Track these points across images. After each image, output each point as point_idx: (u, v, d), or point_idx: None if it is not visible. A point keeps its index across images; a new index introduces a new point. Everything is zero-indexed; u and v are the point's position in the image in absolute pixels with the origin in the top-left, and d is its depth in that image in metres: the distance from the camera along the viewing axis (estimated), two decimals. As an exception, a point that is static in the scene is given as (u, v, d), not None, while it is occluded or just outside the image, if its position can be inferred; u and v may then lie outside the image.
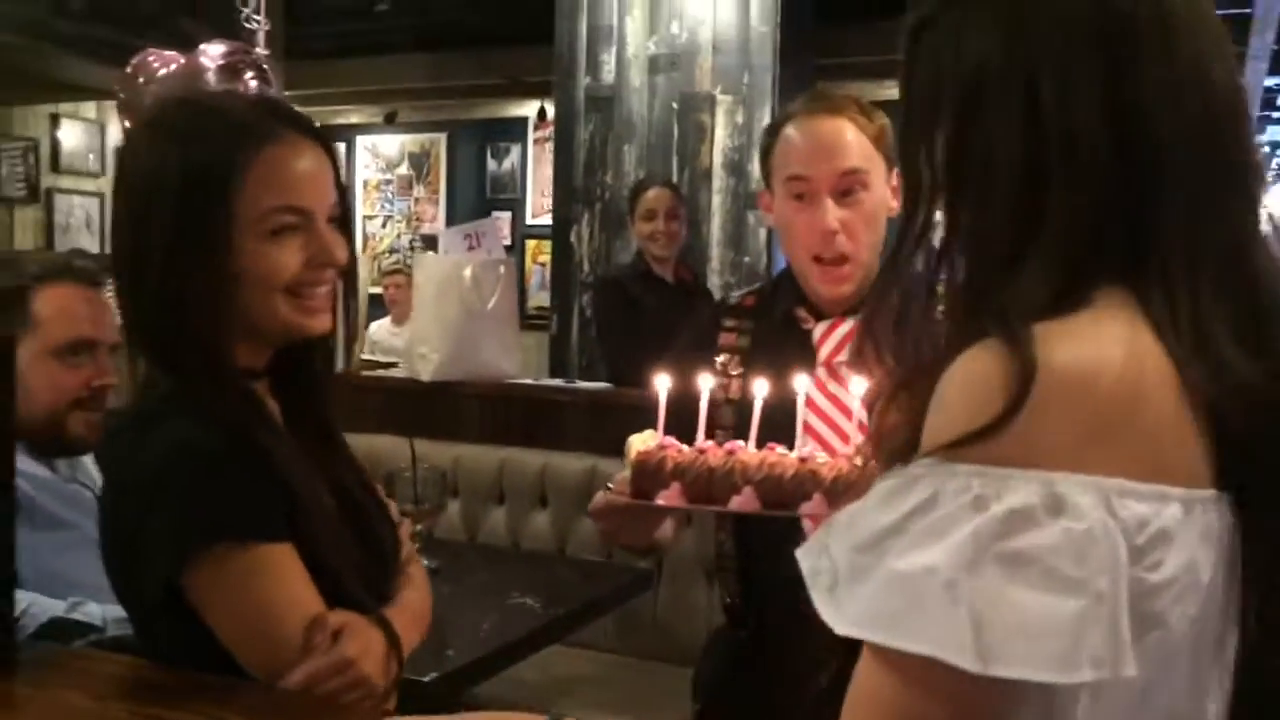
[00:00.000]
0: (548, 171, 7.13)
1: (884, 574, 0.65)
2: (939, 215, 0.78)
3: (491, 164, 7.56)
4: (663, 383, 1.27)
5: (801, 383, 1.27)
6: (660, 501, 1.19)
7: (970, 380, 0.67)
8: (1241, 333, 0.69)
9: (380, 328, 5.53)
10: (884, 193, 1.47)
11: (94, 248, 7.48)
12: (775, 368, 1.41)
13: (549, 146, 7.07)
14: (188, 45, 3.38)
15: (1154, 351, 0.67)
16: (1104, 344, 0.66)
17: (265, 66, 2.76)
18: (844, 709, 0.68)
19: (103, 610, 1.31)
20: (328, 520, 1.07)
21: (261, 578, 1.01)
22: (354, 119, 7.43)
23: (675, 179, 4.12)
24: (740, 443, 1.20)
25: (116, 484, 1.09)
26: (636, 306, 3.40)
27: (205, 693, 0.95)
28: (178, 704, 0.92)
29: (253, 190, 1.05)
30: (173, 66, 2.64)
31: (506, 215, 7.20)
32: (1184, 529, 0.65)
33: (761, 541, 1.50)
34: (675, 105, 4.12)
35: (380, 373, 3.51)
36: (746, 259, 4.05)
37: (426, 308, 2.90)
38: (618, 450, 2.71)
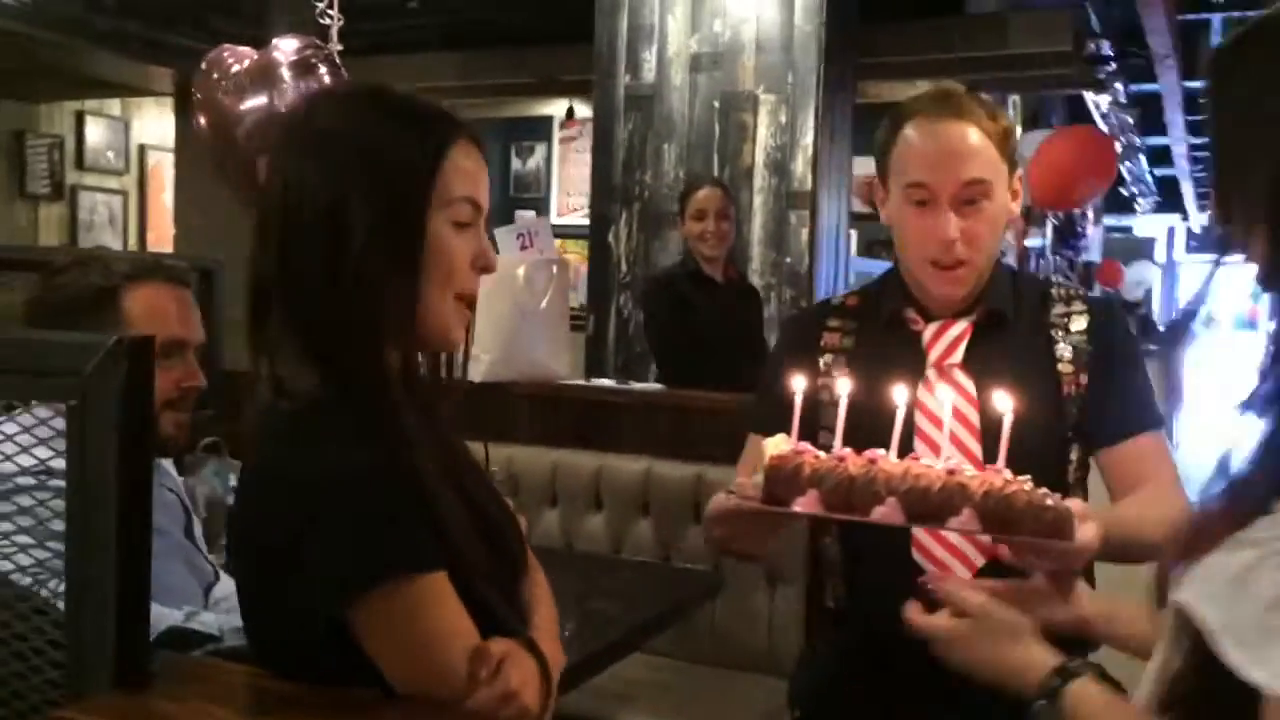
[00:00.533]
0: (573, 171, 7.11)
1: None
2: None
3: (516, 163, 7.54)
4: (798, 384, 1.23)
5: (901, 393, 1.22)
6: (797, 508, 1.15)
7: None
8: None
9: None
10: (1005, 198, 1.44)
11: (116, 244, 7.48)
12: (881, 369, 1.38)
13: (575, 145, 7.05)
14: (218, 42, 3.36)
15: None
16: None
17: (338, 62, 2.74)
18: None
19: (217, 619, 1.28)
20: (469, 541, 1.03)
21: (425, 610, 0.98)
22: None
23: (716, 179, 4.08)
24: (881, 451, 1.16)
25: (264, 502, 1.02)
26: (687, 306, 3.37)
27: (349, 707, 0.92)
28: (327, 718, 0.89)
29: (452, 175, 1.05)
30: (246, 62, 2.61)
31: (530, 214, 7.16)
32: None
33: (869, 546, 1.47)
34: (717, 104, 4.09)
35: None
36: (788, 259, 4.01)
37: (480, 308, 2.86)
38: (672, 452, 2.71)
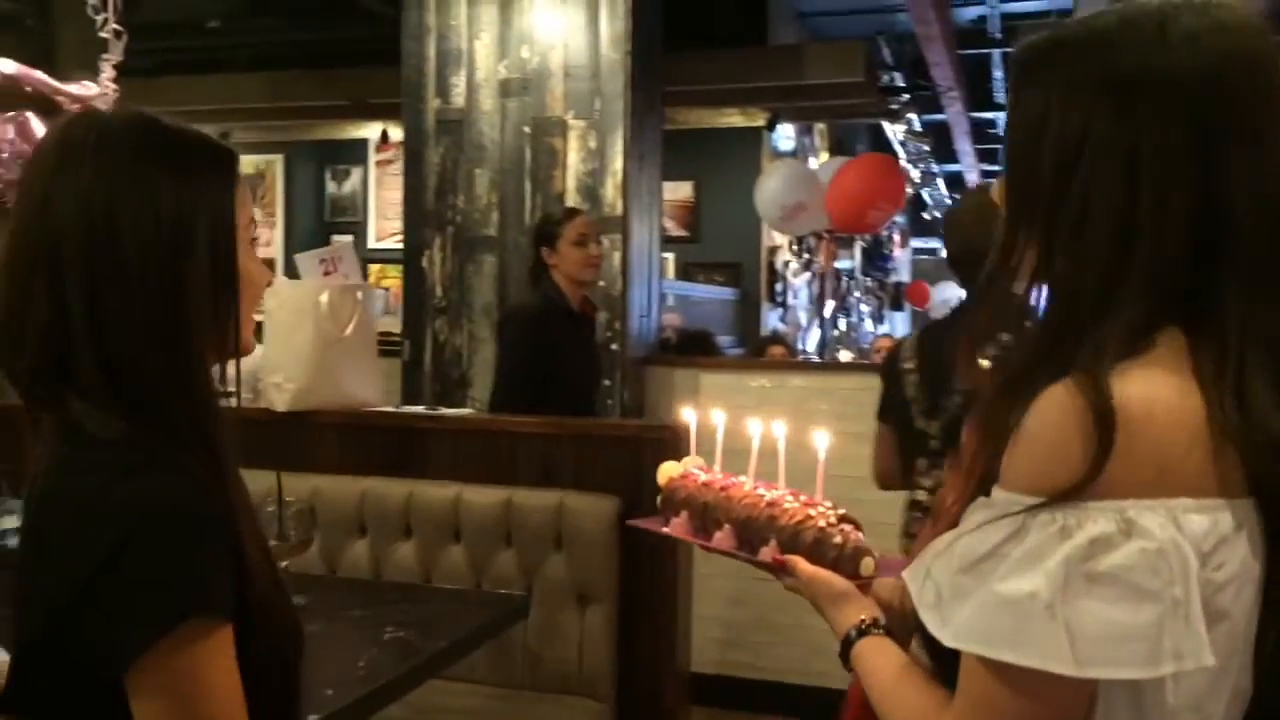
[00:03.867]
0: (390, 195, 7.01)
1: (988, 596, 0.78)
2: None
3: (331, 186, 7.37)
4: (688, 415, 1.33)
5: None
6: (665, 530, 1.27)
7: (1053, 423, 0.78)
8: (1277, 398, 0.80)
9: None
10: None
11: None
12: None
13: (391, 169, 6.95)
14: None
15: (1194, 392, 0.79)
16: (1158, 384, 0.79)
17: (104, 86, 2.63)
18: (958, 713, 0.82)
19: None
20: (276, 594, 1.02)
21: (212, 665, 0.93)
22: (182, 139, 7.12)
23: (528, 202, 4.11)
24: (741, 478, 1.22)
25: (60, 538, 0.95)
26: (553, 343, 3.26)
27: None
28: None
29: (243, 196, 1.06)
30: None
31: (349, 239, 7.02)
32: (1236, 533, 0.78)
33: None
34: (527, 129, 4.11)
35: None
36: (602, 283, 4.06)
37: (280, 335, 2.79)
38: (484, 477, 2.70)
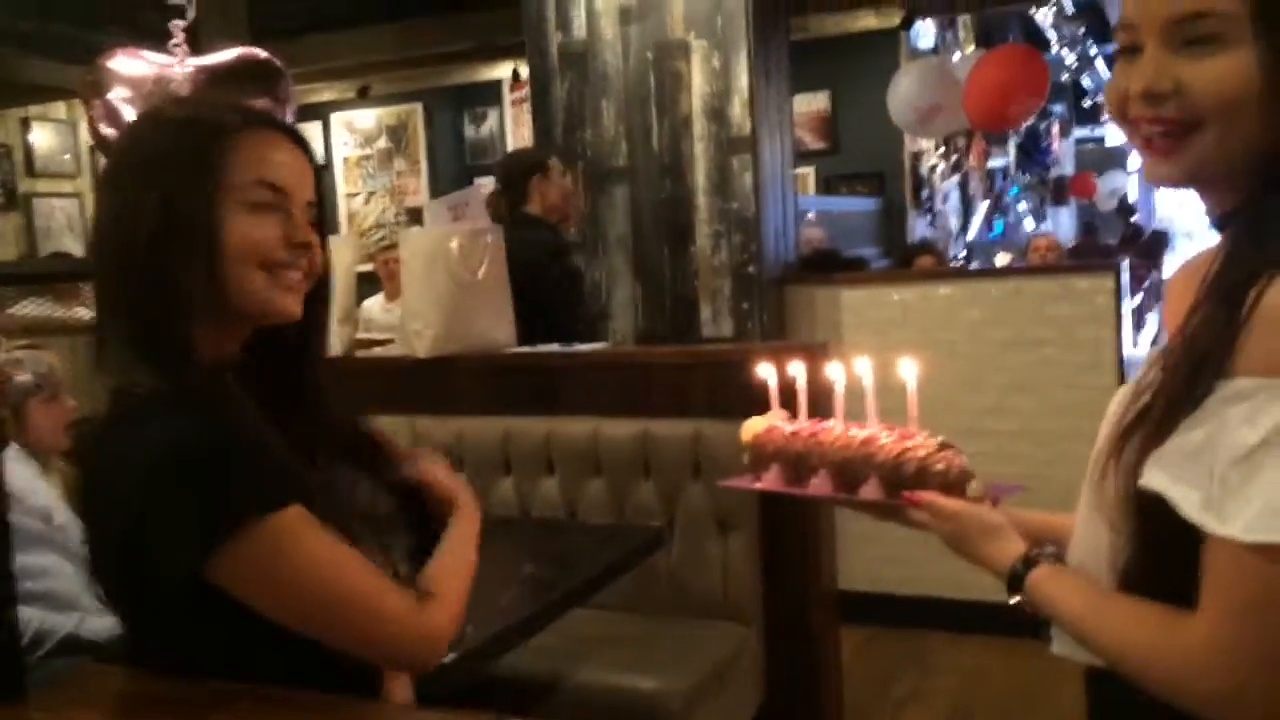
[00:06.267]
0: (526, 133, 7.06)
1: (1271, 484, 0.77)
2: None
3: (470, 130, 7.48)
4: (766, 371, 1.32)
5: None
6: (758, 485, 1.26)
7: None
8: None
9: (374, 304, 5.49)
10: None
11: (77, 250, 7.44)
12: None
13: (525, 108, 7.00)
14: (151, 39, 3.32)
15: None
16: None
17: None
18: (1226, 613, 0.80)
19: (104, 622, 1.30)
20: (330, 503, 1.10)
21: (292, 544, 1.03)
22: (327, 95, 7.33)
23: (655, 130, 4.07)
24: (830, 422, 1.22)
25: (108, 489, 1.07)
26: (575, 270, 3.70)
27: (219, 702, 0.95)
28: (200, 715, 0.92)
29: (235, 163, 1.10)
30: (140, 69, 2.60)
31: (489, 180, 7.13)
32: None
33: None
34: (650, 55, 4.06)
35: (378, 351, 3.49)
36: (735, 205, 4.01)
37: (415, 283, 2.87)
38: (619, 410, 2.72)
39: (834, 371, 1.27)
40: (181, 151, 1.10)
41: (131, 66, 2.67)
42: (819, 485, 1.20)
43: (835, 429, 1.21)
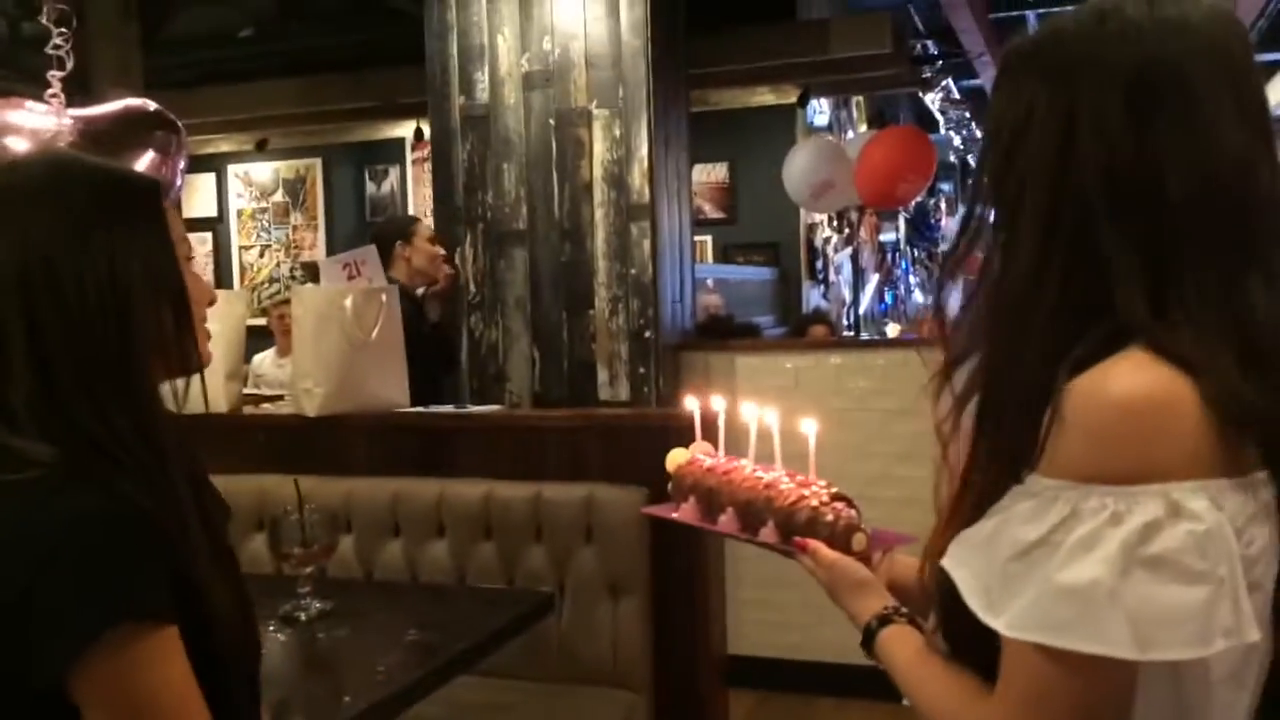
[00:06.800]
0: (427, 192, 7.05)
1: (1047, 585, 0.79)
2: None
3: (370, 186, 7.44)
4: (691, 404, 1.41)
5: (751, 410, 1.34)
6: (674, 515, 1.32)
7: (1095, 409, 0.80)
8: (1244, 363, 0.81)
9: (264, 360, 5.37)
10: None
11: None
12: None
13: (427, 167, 6.99)
14: (35, 83, 3.24)
15: (1187, 378, 0.80)
16: (1162, 371, 0.80)
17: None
18: (1008, 700, 0.83)
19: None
20: (230, 602, 1.05)
21: (152, 667, 0.95)
22: (224, 147, 7.22)
23: (556, 195, 4.11)
24: (742, 461, 1.26)
25: None
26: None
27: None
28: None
29: (170, 218, 1.11)
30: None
31: (370, 248, 7.07)
32: (1262, 508, 0.81)
33: None
34: (552, 121, 4.11)
35: (267, 408, 3.41)
36: (633, 270, 4.06)
37: (308, 341, 2.83)
38: (514, 473, 2.71)
39: (748, 411, 1.33)
40: (143, 206, 1.09)
41: (12, 116, 2.60)
42: (726, 523, 1.26)
43: (746, 469, 1.26)
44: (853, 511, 1.18)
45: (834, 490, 1.20)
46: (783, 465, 1.28)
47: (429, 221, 4.51)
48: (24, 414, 0.99)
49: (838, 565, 1.12)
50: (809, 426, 1.27)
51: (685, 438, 1.45)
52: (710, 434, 1.42)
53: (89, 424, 1.00)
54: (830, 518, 1.16)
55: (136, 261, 1.04)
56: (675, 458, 1.39)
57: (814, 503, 1.18)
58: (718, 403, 1.46)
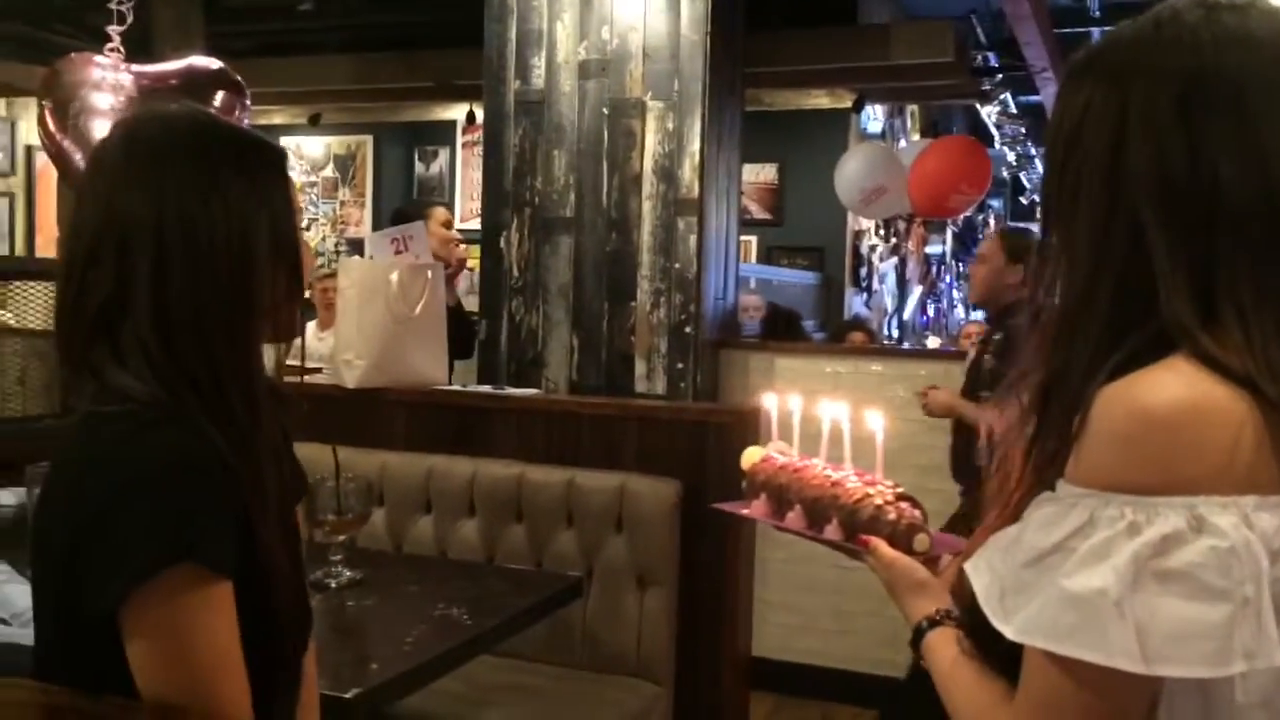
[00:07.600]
0: (476, 175, 7.08)
1: (1055, 591, 0.78)
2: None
3: (419, 167, 7.47)
4: (770, 401, 1.40)
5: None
6: (744, 512, 1.32)
7: (1122, 417, 0.78)
8: None
9: (307, 331, 5.42)
10: None
11: (2, 249, 7.22)
12: None
13: (477, 150, 7.01)
14: (96, 40, 3.27)
15: (1236, 387, 0.78)
16: (1202, 380, 0.78)
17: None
18: (1023, 708, 0.82)
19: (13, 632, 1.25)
20: (280, 559, 1.05)
21: (196, 614, 0.96)
22: (277, 119, 7.28)
23: (605, 185, 4.10)
24: (815, 461, 1.26)
25: (66, 490, 1.01)
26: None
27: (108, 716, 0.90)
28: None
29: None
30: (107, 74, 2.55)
31: (419, 223, 7.10)
32: None
33: None
34: (605, 111, 4.10)
35: (308, 378, 3.43)
36: (677, 265, 4.04)
37: (351, 313, 2.84)
38: (547, 457, 2.71)
39: (824, 410, 1.33)
40: (273, 171, 1.12)
41: (86, 71, 2.63)
42: (793, 520, 1.26)
43: (816, 467, 1.26)
44: (916, 512, 1.18)
45: (899, 490, 1.20)
46: (851, 465, 1.29)
47: (475, 205, 4.53)
48: (135, 353, 1.02)
49: (897, 564, 1.12)
50: (875, 421, 1.27)
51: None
52: (786, 434, 1.41)
53: (195, 369, 1.03)
54: (893, 516, 1.16)
55: (265, 224, 1.07)
56: (750, 455, 1.40)
57: (878, 501, 1.19)
58: (794, 401, 1.44)
